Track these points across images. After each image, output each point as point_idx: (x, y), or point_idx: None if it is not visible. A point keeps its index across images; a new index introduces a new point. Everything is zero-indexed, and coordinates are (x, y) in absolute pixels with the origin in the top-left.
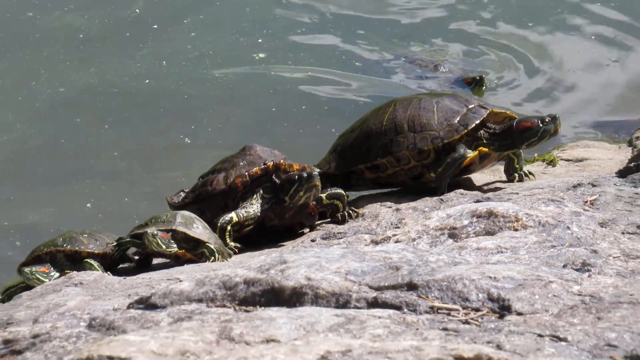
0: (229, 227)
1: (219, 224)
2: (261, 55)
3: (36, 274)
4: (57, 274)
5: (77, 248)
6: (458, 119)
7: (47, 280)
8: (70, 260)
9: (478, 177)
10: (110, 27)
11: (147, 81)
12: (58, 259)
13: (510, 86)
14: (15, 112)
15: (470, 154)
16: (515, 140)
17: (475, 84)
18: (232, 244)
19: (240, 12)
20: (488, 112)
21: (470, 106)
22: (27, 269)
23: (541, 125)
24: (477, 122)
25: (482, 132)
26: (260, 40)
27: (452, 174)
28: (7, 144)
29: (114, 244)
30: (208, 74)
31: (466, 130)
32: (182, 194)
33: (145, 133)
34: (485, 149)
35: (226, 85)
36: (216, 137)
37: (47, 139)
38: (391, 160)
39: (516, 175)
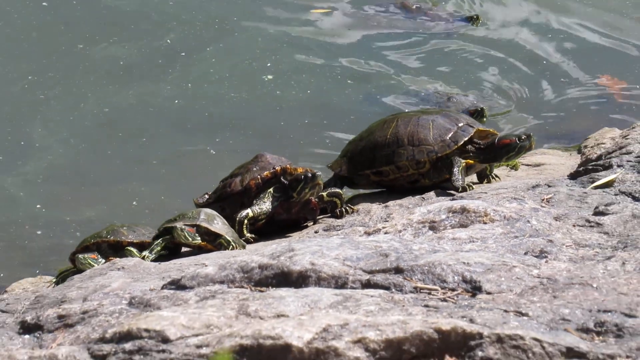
0: (245, 221)
1: (237, 219)
2: (269, 77)
3: (88, 260)
4: (103, 260)
5: (118, 238)
6: (450, 135)
7: (95, 265)
8: (112, 249)
9: None
10: (146, 56)
11: (176, 101)
12: (102, 248)
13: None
14: (68, 129)
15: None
16: (496, 155)
17: (477, 114)
18: (249, 235)
19: (253, 41)
20: (475, 130)
21: (460, 124)
22: (80, 256)
23: (518, 142)
24: (466, 139)
25: (469, 146)
26: (268, 64)
27: (463, 176)
28: (64, 155)
29: (154, 239)
30: (226, 94)
31: (456, 146)
32: (206, 196)
33: (177, 144)
34: (471, 161)
35: (241, 103)
36: (234, 147)
37: (96, 150)
38: (393, 168)
39: (486, 178)
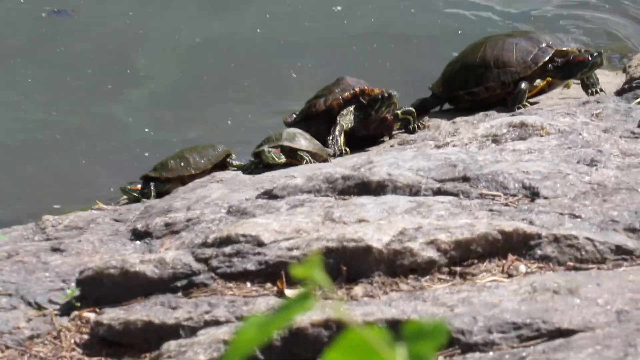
0: (337, 134)
1: (334, 134)
2: (339, 7)
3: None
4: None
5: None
6: (531, 57)
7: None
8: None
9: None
10: None
11: (257, 30)
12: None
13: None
14: (167, 59)
15: (540, 82)
16: (572, 71)
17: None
18: (344, 148)
19: None
20: (554, 51)
21: (541, 46)
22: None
23: (590, 59)
24: (545, 59)
25: (550, 65)
26: None
27: (524, 98)
28: (165, 83)
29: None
30: (301, 23)
31: (536, 67)
32: (294, 115)
33: (261, 68)
34: (551, 79)
35: (314, 31)
36: (312, 71)
37: (192, 76)
38: (482, 89)
39: (590, 90)
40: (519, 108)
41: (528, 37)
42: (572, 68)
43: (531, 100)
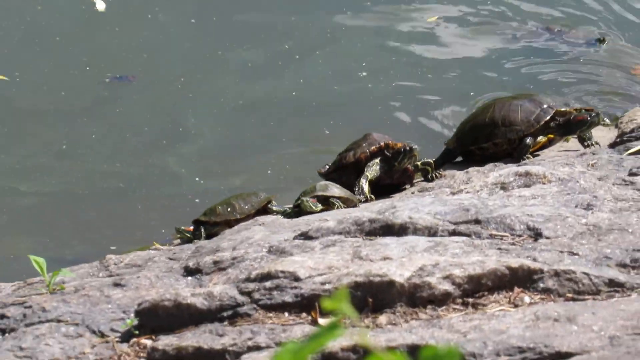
0: (366, 183)
1: (359, 184)
2: (364, 73)
3: (310, 203)
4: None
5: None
6: (534, 117)
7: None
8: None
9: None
10: (269, 58)
11: (293, 93)
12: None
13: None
14: (214, 118)
15: (542, 139)
16: (572, 129)
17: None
18: (369, 195)
19: (353, 46)
20: (554, 111)
21: (543, 107)
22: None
23: (589, 118)
24: (547, 119)
25: (552, 123)
26: (363, 64)
27: (527, 152)
28: (212, 138)
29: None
30: (330, 87)
31: (539, 125)
32: (327, 166)
33: (297, 126)
34: (552, 136)
35: (342, 94)
36: (342, 128)
37: (236, 133)
38: (491, 145)
39: (586, 143)
40: (523, 160)
41: (532, 99)
42: (572, 126)
43: (534, 153)
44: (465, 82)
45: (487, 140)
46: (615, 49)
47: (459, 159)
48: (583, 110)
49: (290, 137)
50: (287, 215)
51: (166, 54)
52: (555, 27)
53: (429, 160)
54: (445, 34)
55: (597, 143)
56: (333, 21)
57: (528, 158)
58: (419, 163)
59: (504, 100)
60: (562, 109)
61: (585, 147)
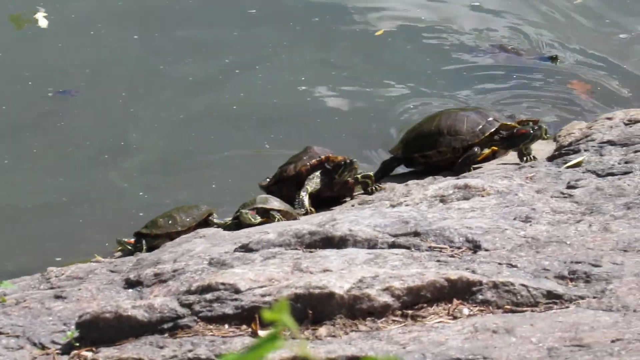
0: (307, 196)
1: (299, 196)
2: (303, 87)
3: (249, 215)
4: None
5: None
6: (479, 128)
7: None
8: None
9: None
10: (210, 73)
11: (234, 107)
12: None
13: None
14: (155, 132)
15: (486, 151)
16: (515, 142)
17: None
18: (309, 208)
19: (293, 61)
20: (499, 124)
21: (488, 119)
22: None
23: (532, 132)
24: (491, 131)
25: (496, 136)
26: (303, 78)
27: (471, 163)
28: (154, 153)
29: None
30: (270, 101)
31: (484, 136)
32: (268, 179)
33: (238, 140)
34: (496, 148)
35: (282, 108)
36: (282, 141)
37: (178, 147)
38: (435, 152)
39: (525, 157)
40: (466, 171)
41: (478, 112)
42: (515, 139)
43: (476, 165)
44: (407, 98)
45: (432, 148)
46: (565, 66)
47: (400, 170)
48: (530, 123)
49: (231, 150)
50: (227, 227)
51: (109, 69)
52: (509, 46)
53: (369, 173)
54: (392, 49)
55: (534, 157)
56: (276, 36)
57: (469, 170)
58: (359, 176)
59: (450, 111)
60: (507, 123)
61: (523, 161)
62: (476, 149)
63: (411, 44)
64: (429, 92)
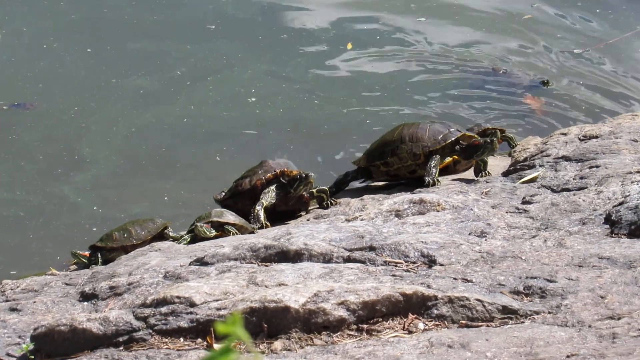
0: (262, 211)
1: (255, 210)
2: (253, 99)
3: (204, 228)
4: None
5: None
6: (441, 136)
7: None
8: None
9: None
10: (161, 85)
11: (184, 119)
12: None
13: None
14: (107, 146)
15: (447, 159)
16: (471, 153)
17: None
18: (265, 222)
19: (243, 73)
20: (461, 134)
21: (450, 129)
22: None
23: (484, 144)
24: (453, 139)
25: (457, 147)
26: (253, 91)
27: (436, 170)
28: (107, 167)
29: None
30: (220, 113)
31: (445, 143)
32: (223, 193)
33: (189, 152)
34: (456, 157)
35: (232, 119)
36: (233, 153)
37: (130, 161)
38: (396, 159)
39: (481, 174)
40: (432, 182)
41: (440, 123)
42: (470, 150)
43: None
44: (361, 112)
45: (393, 154)
46: (520, 81)
47: (356, 184)
48: (497, 132)
49: (183, 163)
50: (181, 241)
51: (62, 83)
52: (501, 69)
53: (324, 187)
54: (350, 63)
55: (489, 173)
56: (229, 49)
57: (438, 182)
58: (314, 190)
59: (414, 122)
60: (468, 134)
61: (478, 176)
62: (437, 157)
63: (370, 60)
64: (384, 106)
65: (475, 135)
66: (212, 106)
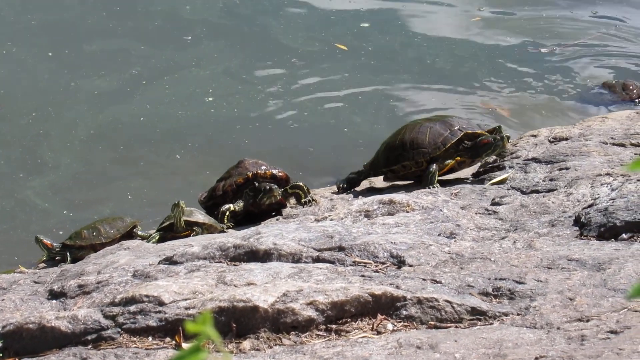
0: (227, 213)
1: (221, 210)
2: (210, 98)
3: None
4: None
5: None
6: (441, 139)
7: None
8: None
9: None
10: (117, 85)
11: (141, 118)
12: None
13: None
14: (68, 149)
15: (450, 161)
16: (479, 152)
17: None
18: (227, 223)
19: (202, 72)
20: (462, 134)
21: (452, 129)
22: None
23: (494, 142)
24: (453, 142)
25: (461, 146)
26: (210, 90)
27: (432, 178)
28: (69, 170)
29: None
30: (176, 112)
31: (445, 148)
32: (205, 193)
33: (147, 151)
34: (460, 158)
35: (187, 118)
36: (191, 151)
37: (91, 162)
38: (399, 167)
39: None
40: (430, 187)
41: (443, 122)
42: (478, 149)
43: (441, 178)
44: (316, 109)
45: (397, 162)
46: (479, 83)
47: (365, 184)
48: (501, 128)
49: (144, 162)
50: (150, 239)
51: (23, 88)
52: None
53: (299, 183)
54: (310, 62)
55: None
56: (187, 49)
57: (435, 186)
58: (287, 188)
59: (416, 122)
60: (472, 132)
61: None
62: (434, 166)
63: (328, 59)
64: (340, 104)
65: (485, 133)
66: (167, 105)
